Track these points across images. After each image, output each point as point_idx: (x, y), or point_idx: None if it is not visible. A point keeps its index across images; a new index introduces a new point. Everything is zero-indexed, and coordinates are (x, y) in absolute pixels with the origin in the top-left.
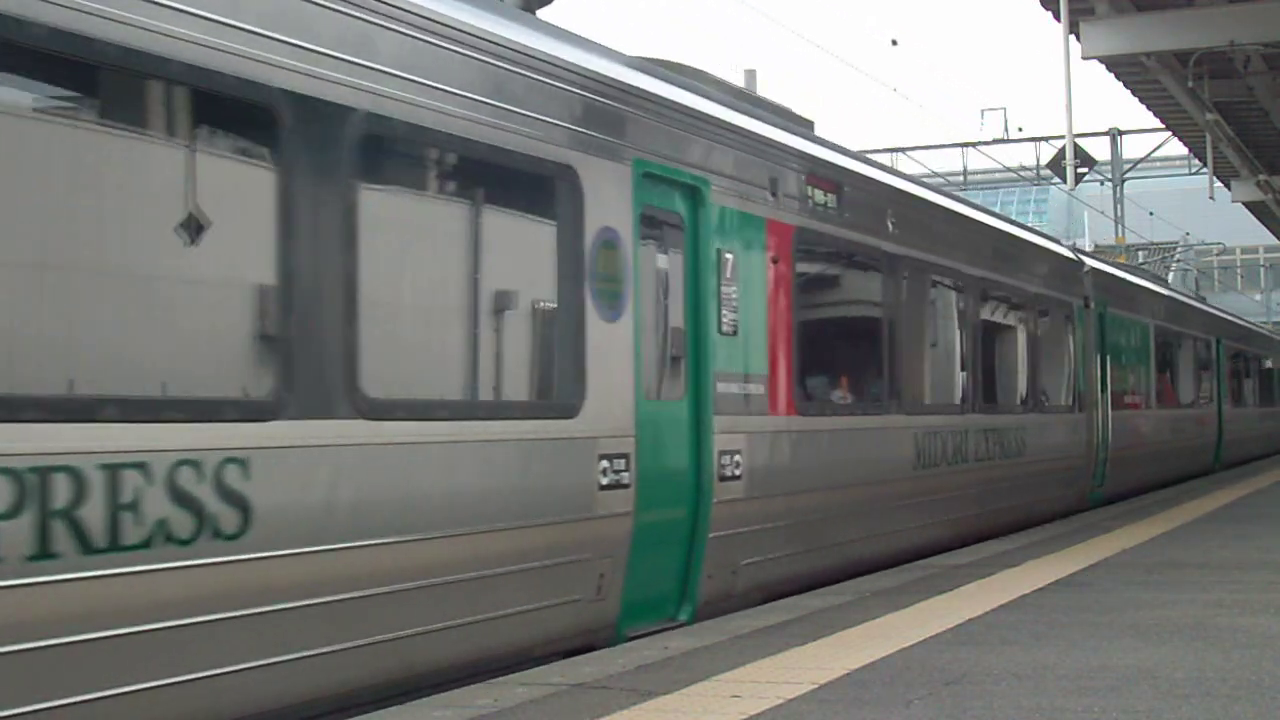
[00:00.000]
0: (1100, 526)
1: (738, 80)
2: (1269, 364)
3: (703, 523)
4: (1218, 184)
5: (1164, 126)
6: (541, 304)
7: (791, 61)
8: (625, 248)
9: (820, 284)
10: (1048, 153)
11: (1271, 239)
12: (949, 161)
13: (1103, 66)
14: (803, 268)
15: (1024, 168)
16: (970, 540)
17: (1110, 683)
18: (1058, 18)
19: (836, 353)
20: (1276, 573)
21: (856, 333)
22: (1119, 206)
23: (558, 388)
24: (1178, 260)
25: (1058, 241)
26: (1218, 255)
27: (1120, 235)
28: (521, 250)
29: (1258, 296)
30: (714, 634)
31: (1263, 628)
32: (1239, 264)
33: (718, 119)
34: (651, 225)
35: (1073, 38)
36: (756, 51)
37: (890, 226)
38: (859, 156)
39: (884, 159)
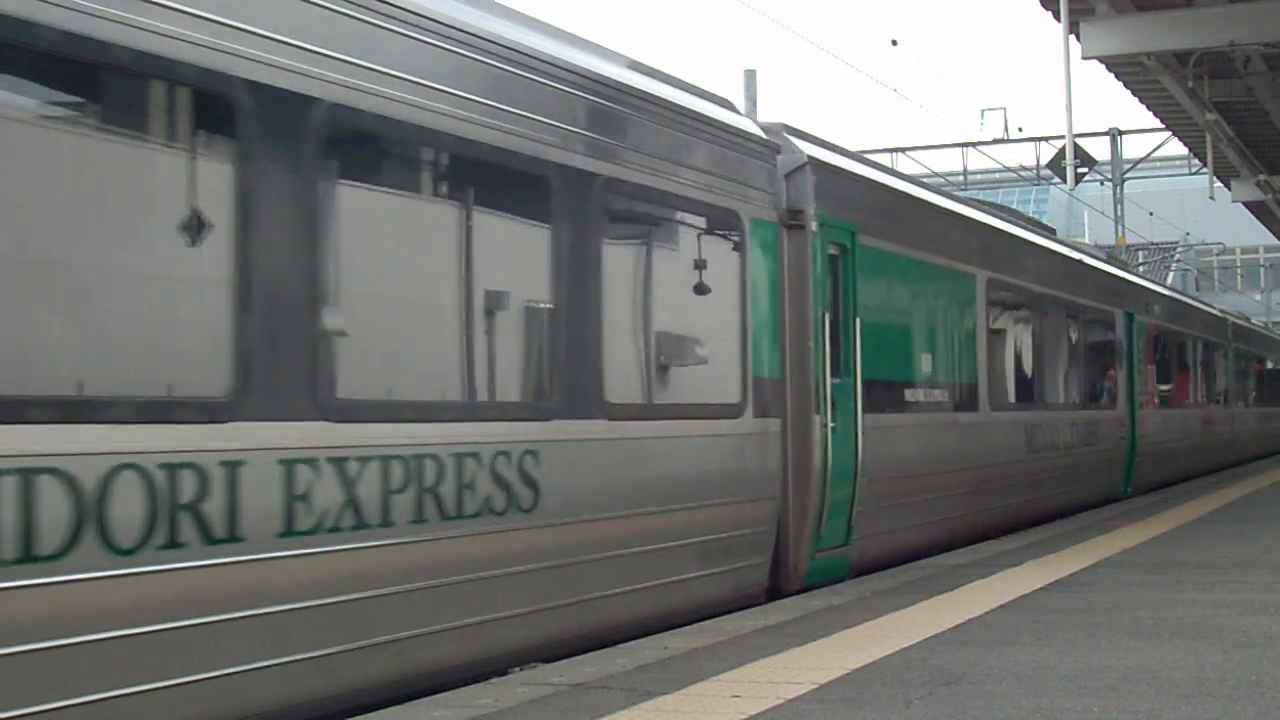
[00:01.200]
0: (1100, 526)
1: (737, 80)
2: (1214, 352)
3: None
4: (1218, 184)
5: (1164, 126)
6: None
7: (791, 61)
8: None
9: None
10: (1048, 153)
11: (1271, 239)
12: (949, 161)
13: (1103, 66)
14: None
15: (1024, 168)
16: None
17: (1110, 683)
18: (1058, 18)
19: None
20: (1276, 573)
21: None
22: (1119, 206)
23: None
24: (1177, 260)
25: (728, 105)
26: (1218, 255)
27: (1120, 235)
28: None
29: (1258, 296)
30: (713, 634)
31: (1263, 628)
32: (1239, 264)
33: None
34: None
35: (1073, 38)
36: (756, 51)
37: None
38: None
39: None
